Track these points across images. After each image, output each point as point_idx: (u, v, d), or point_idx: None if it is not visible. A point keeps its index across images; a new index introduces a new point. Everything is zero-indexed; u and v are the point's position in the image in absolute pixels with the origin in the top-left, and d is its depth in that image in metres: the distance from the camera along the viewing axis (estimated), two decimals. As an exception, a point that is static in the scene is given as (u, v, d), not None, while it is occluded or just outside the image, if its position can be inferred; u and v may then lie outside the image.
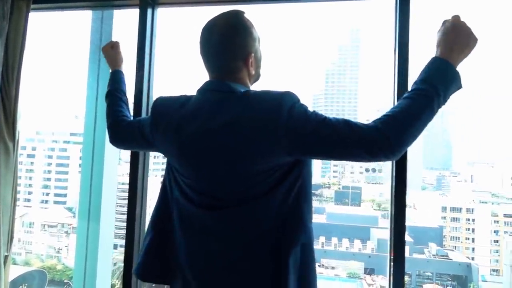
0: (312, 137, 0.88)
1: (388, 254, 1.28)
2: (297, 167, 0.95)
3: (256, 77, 1.10)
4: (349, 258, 18.68)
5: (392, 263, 1.24)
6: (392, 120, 0.86)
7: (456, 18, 0.97)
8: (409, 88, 0.93)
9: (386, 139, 0.83)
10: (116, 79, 1.42)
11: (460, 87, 0.92)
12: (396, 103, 0.90)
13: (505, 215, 21.04)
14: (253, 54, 1.02)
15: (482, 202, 22.72)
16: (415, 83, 0.92)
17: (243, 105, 0.94)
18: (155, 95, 1.63)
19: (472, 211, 21.67)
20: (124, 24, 1.96)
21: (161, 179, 1.12)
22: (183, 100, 1.04)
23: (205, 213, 0.97)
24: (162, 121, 1.04)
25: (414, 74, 1.30)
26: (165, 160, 1.11)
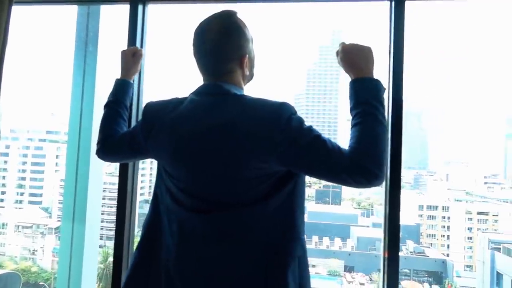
0: (306, 150, 0.88)
1: (382, 254, 1.30)
2: (292, 180, 0.95)
3: (250, 77, 1.09)
4: (330, 256, 18.95)
5: (386, 262, 1.25)
6: (360, 151, 0.89)
7: (343, 45, 1.06)
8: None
9: (365, 169, 0.86)
10: (122, 90, 1.29)
11: (384, 88, 1.00)
12: (350, 134, 0.94)
13: (479, 213, 21.80)
14: (247, 55, 1.01)
15: (457, 200, 23.48)
16: (351, 110, 0.98)
17: (239, 109, 0.93)
18: (145, 94, 1.59)
19: (448, 209, 22.34)
20: (111, 20, 1.92)
21: (142, 178, 1.09)
22: (175, 103, 1.02)
23: (195, 216, 0.95)
24: (155, 125, 1.02)
25: (408, 75, 1.33)
26: (147, 161, 1.08)
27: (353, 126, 0.94)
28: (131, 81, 1.34)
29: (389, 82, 1.29)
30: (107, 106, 1.26)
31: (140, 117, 1.26)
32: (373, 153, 0.88)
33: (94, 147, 1.94)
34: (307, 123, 0.93)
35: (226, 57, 0.99)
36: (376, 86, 0.97)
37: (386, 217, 1.26)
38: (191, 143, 0.94)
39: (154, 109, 1.05)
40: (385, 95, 1.31)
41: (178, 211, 0.98)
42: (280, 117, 0.89)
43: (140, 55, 1.38)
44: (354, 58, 1.01)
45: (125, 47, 1.59)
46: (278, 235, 0.92)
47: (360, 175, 0.86)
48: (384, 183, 1.29)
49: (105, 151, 1.20)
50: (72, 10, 1.93)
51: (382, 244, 1.30)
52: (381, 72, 1.32)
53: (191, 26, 1.07)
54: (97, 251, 2.07)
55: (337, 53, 1.06)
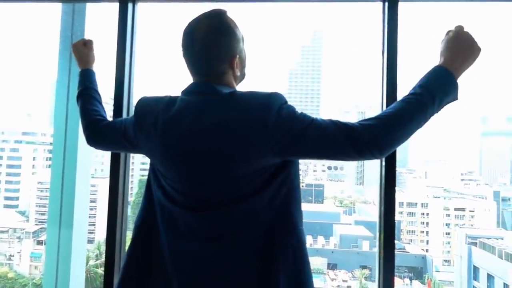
0: (301, 138, 0.87)
1: (377, 252, 1.31)
2: (285, 169, 0.94)
3: (242, 77, 1.08)
4: (313, 254, 19.13)
5: (381, 261, 1.26)
6: (384, 121, 0.87)
7: (459, 28, 0.97)
8: (402, 91, 0.95)
9: (376, 139, 0.85)
10: (87, 78, 1.31)
11: (456, 98, 0.93)
12: (393, 103, 0.91)
13: (456, 209, 22.47)
14: (238, 56, 1.00)
15: (435, 197, 24.15)
16: (414, 87, 0.93)
17: (230, 106, 0.92)
18: (135, 94, 1.56)
19: (426, 206, 22.94)
20: (98, 19, 1.87)
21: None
22: (167, 101, 1.00)
23: (189, 215, 0.94)
24: (146, 122, 1.00)
25: (402, 77, 1.35)
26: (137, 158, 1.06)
27: (401, 100, 0.90)
28: (93, 69, 1.35)
29: (382, 83, 1.30)
30: (79, 97, 1.26)
31: (131, 114, 1.24)
32: (396, 132, 0.87)
33: (81, 149, 1.89)
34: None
35: (216, 58, 0.97)
36: (452, 89, 0.91)
37: (382, 215, 1.27)
38: (182, 144, 0.93)
39: (146, 107, 1.02)
40: (380, 98, 1.33)
41: (171, 207, 0.96)
42: (270, 108, 0.87)
43: (91, 43, 1.37)
44: (460, 48, 0.93)
45: (114, 46, 1.56)
46: (272, 227, 0.91)
47: (369, 145, 0.85)
48: (379, 182, 1.31)
49: (95, 137, 1.18)
50: (56, 8, 1.87)
51: (377, 242, 1.31)
52: (376, 72, 1.34)
53: (181, 25, 1.05)
54: (84, 257, 2.01)
55: (448, 32, 0.97)
